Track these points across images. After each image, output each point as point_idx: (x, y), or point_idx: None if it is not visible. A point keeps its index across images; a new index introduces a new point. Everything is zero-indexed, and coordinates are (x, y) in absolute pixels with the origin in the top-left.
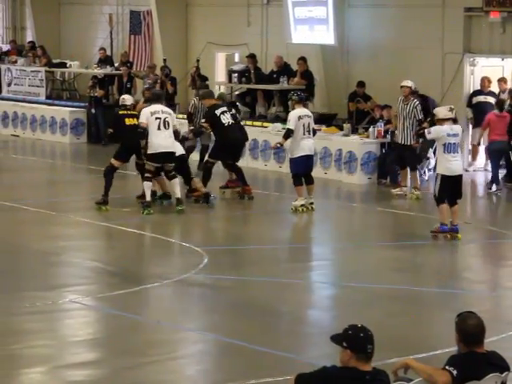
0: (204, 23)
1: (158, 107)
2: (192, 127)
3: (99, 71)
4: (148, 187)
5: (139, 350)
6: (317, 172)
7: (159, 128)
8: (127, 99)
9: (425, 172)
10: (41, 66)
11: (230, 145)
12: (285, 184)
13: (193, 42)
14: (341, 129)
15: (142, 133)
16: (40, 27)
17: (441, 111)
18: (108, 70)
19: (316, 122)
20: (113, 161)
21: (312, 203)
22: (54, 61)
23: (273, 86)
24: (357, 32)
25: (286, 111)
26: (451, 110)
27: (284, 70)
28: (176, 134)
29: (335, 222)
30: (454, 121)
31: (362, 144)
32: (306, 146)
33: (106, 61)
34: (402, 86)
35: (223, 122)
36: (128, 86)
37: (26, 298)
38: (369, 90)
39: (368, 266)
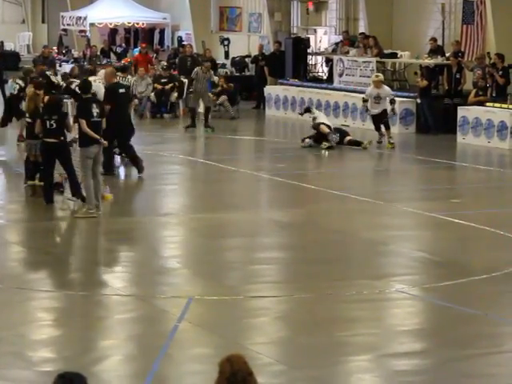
0: None
1: None
2: None
3: (429, 61)
4: None
5: (467, 341)
6: None
7: None
8: None
9: None
10: (372, 56)
11: None
12: None
13: None
14: None
15: None
16: (372, 18)
17: None
18: (438, 60)
19: None
20: None
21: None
22: (386, 51)
23: None
24: None
25: None
26: None
27: None
28: None
29: None
30: None
31: None
32: None
33: (436, 51)
34: None
35: None
36: (457, 76)
37: (353, 285)
38: None
39: None
